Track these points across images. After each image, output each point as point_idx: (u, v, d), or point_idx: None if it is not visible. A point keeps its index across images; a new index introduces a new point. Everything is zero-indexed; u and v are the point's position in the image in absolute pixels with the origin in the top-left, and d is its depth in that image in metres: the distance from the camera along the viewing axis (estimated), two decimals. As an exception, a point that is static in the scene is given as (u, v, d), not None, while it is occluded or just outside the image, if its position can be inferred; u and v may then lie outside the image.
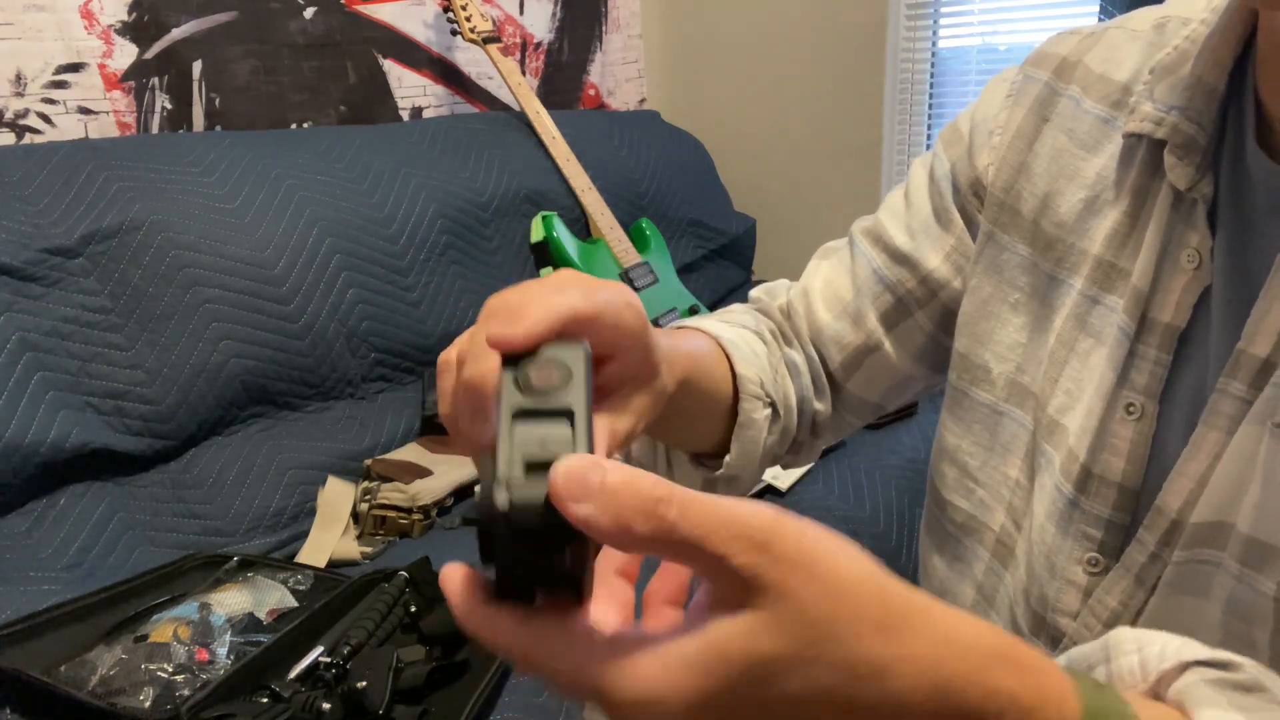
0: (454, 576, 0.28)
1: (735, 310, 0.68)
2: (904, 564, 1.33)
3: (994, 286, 0.60)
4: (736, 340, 0.61)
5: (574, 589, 0.28)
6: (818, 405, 0.65)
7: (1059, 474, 0.54)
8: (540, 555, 0.27)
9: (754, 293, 0.71)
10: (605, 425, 0.39)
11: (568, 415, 0.29)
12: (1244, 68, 0.49)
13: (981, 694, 0.28)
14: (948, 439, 0.64)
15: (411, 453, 1.44)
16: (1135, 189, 0.52)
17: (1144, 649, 0.34)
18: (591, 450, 0.28)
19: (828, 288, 0.67)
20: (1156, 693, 0.33)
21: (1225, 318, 0.47)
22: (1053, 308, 0.56)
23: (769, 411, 0.60)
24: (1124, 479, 0.51)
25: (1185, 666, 0.32)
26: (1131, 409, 0.51)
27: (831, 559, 0.27)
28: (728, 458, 0.58)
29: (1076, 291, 0.54)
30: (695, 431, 0.58)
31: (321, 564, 1.23)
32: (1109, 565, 0.52)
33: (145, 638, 0.91)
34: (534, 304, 0.34)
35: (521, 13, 2.14)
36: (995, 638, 0.29)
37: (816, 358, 0.66)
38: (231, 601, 1.00)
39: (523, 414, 0.30)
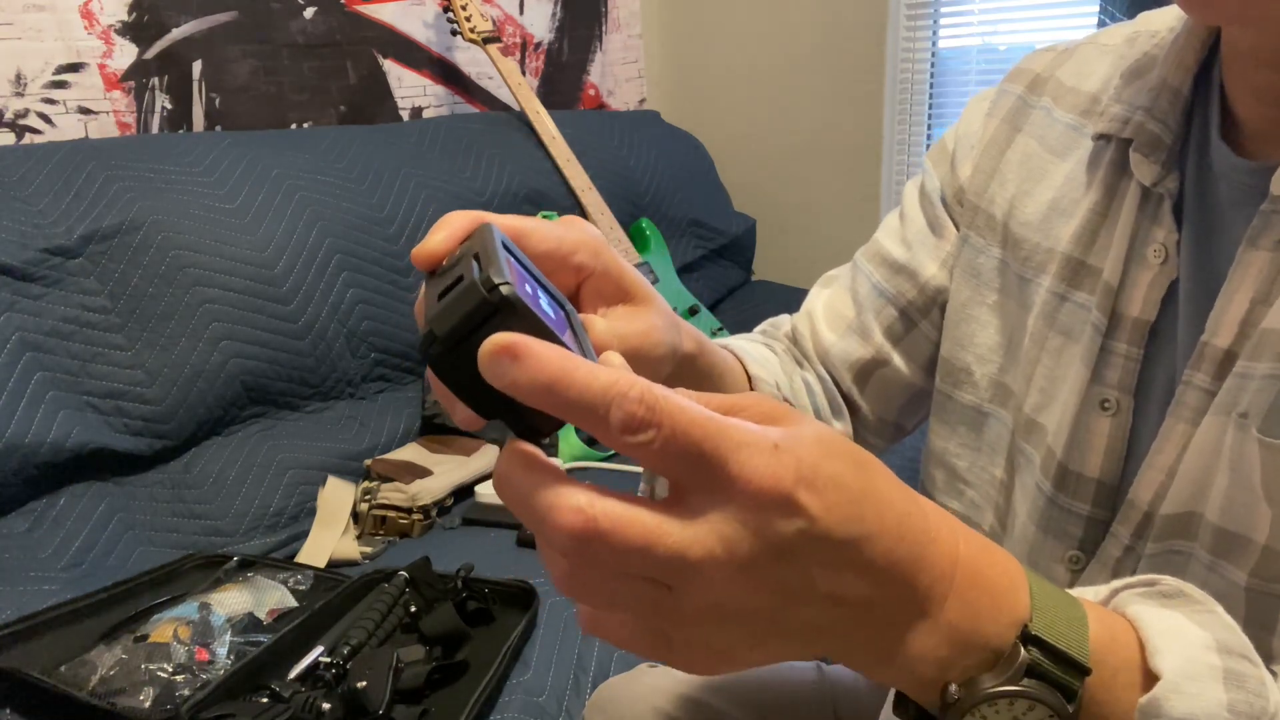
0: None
1: (743, 335, 0.69)
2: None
3: (972, 290, 0.61)
4: (746, 347, 0.62)
5: (527, 425, 0.30)
6: (836, 425, 0.65)
7: (1039, 473, 0.55)
8: (461, 366, 0.29)
9: (758, 328, 0.72)
10: (601, 325, 0.41)
11: (474, 257, 0.31)
12: (1209, 69, 0.50)
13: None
14: (935, 442, 0.64)
15: (411, 453, 1.44)
16: (1104, 188, 0.53)
17: (1083, 592, 0.36)
18: (507, 271, 0.30)
19: (830, 310, 0.68)
20: None
21: (1191, 310, 0.48)
22: (1025, 308, 0.57)
23: None
24: (1102, 474, 0.52)
25: (1115, 591, 0.35)
26: (1106, 404, 0.51)
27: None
28: None
29: (1045, 290, 0.55)
30: None
31: (321, 564, 1.23)
32: (1089, 562, 0.53)
33: (145, 638, 0.91)
34: (454, 216, 0.37)
35: (521, 13, 2.14)
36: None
37: (828, 378, 0.66)
38: (231, 601, 1.00)
39: (435, 274, 0.34)
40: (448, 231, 0.36)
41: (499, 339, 0.27)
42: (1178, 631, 0.32)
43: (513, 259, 0.34)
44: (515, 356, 0.27)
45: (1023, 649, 0.30)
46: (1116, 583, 0.35)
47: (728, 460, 0.27)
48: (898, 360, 0.65)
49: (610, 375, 0.27)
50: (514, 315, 0.28)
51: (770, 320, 0.71)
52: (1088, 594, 0.36)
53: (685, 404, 0.27)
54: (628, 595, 0.28)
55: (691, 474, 0.27)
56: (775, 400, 0.31)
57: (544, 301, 0.33)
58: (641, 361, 0.42)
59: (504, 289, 0.28)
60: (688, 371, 0.50)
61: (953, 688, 0.31)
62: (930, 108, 2.09)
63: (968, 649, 0.31)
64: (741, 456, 0.27)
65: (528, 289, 0.31)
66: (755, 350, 0.62)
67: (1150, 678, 0.31)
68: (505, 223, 0.39)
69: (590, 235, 0.42)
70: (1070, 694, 0.30)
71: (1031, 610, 0.31)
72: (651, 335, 0.43)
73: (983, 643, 0.31)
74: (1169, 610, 0.33)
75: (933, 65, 2.06)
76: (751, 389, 0.59)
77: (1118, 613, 0.34)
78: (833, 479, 0.28)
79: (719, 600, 0.28)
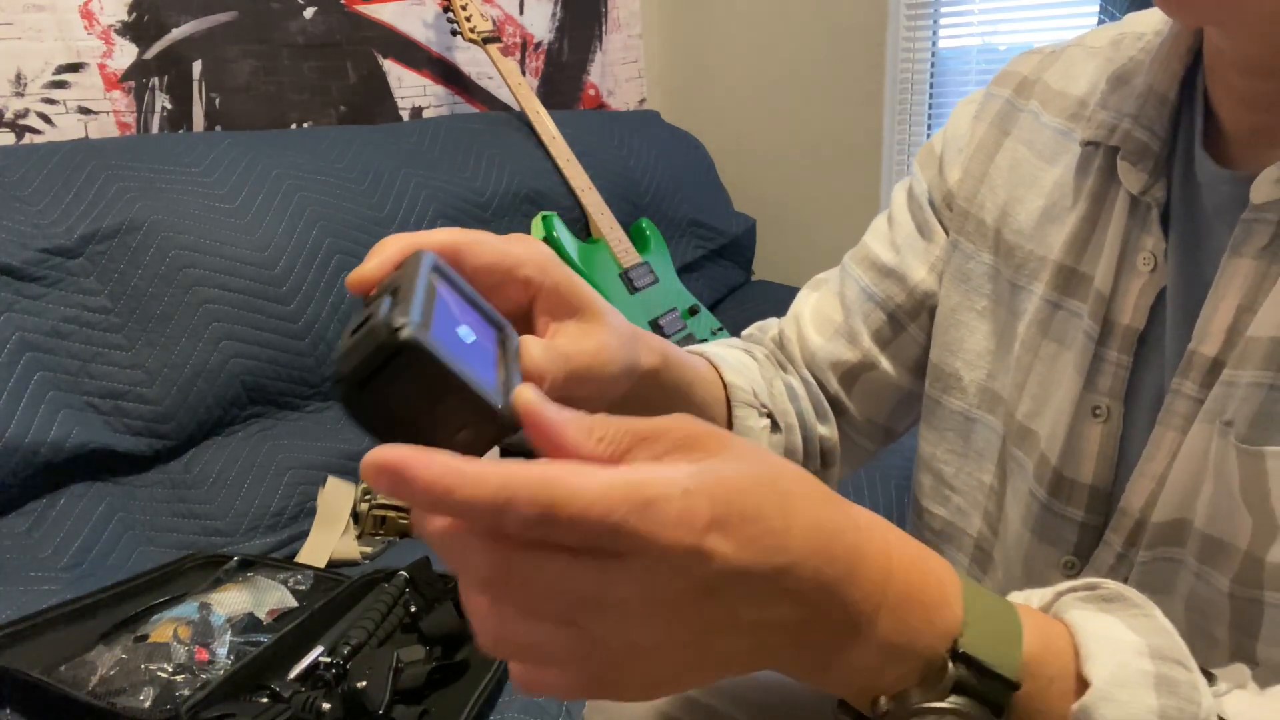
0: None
1: (724, 341, 0.68)
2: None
3: (962, 295, 0.61)
4: (723, 354, 0.61)
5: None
6: (821, 430, 0.64)
7: (1033, 479, 0.54)
8: (368, 405, 0.29)
9: (745, 332, 0.71)
10: (539, 348, 0.39)
11: (392, 292, 0.32)
12: (1194, 76, 0.50)
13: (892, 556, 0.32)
14: (924, 448, 0.64)
15: (411, 453, 1.44)
16: (1093, 195, 0.53)
17: (1028, 597, 0.37)
18: (418, 309, 0.30)
19: (817, 313, 0.67)
20: None
21: (1179, 318, 0.48)
22: (1016, 314, 0.57)
23: (766, 422, 0.59)
24: (1094, 481, 0.52)
25: (1059, 595, 0.36)
26: (1098, 411, 0.51)
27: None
28: None
29: (1038, 297, 0.55)
30: None
31: (321, 564, 1.23)
32: (1083, 568, 0.53)
33: (145, 638, 0.91)
34: (389, 241, 0.37)
35: (521, 13, 2.14)
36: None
37: (814, 382, 0.66)
38: (231, 601, 1.00)
39: (366, 302, 0.34)
40: (380, 258, 0.36)
41: (377, 458, 0.26)
42: (1111, 638, 0.32)
43: (445, 283, 0.34)
44: (398, 478, 0.26)
45: (951, 665, 0.31)
46: (1061, 585, 0.36)
47: (635, 525, 0.26)
48: (885, 364, 0.65)
49: (497, 479, 0.26)
50: (417, 358, 0.28)
51: (757, 324, 0.71)
52: (1033, 598, 0.36)
53: (582, 485, 0.26)
54: (552, 641, 0.28)
55: (605, 543, 0.27)
56: (699, 422, 0.30)
57: (465, 330, 0.33)
58: (592, 381, 0.41)
59: (404, 333, 0.28)
60: (650, 387, 0.49)
61: (883, 700, 0.32)
62: (930, 108, 2.09)
63: (900, 661, 0.31)
64: (650, 515, 0.26)
65: (444, 320, 0.31)
66: (732, 356, 0.61)
67: (1084, 685, 0.31)
68: (443, 239, 0.38)
69: (537, 250, 0.42)
70: (999, 709, 0.31)
71: (964, 624, 0.31)
72: (602, 354, 0.42)
73: (915, 655, 0.31)
74: (1107, 615, 0.34)
75: (933, 65, 2.06)
76: (727, 397, 0.58)
77: (1057, 618, 0.34)
78: (751, 511, 0.28)
79: (641, 639, 0.28)
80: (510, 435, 0.31)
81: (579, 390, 0.40)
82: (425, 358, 0.29)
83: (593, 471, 0.27)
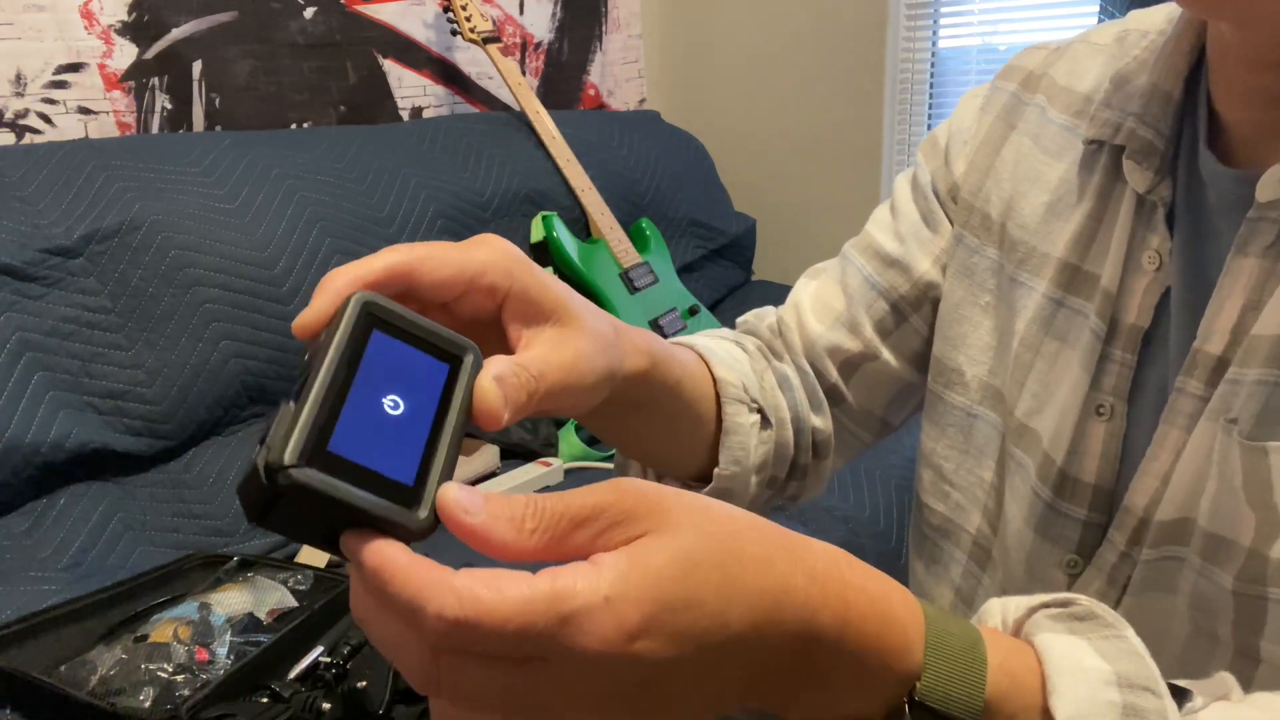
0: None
1: (714, 331, 0.66)
2: (903, 565, 1.33)
3: (965, 289, 0.60)
4: (713, 347, 0.59)
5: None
6: (815, 421, 0.62)
7: (1035, 478, 0.54)
8: (279, 526, 0.28)
9: (740, 319, 0.69)
10: (492, 387, 0.35)
11: (302, 381, 0.30)
12: (1198, 74, 0.50)
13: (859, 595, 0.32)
14: (925, 443, 0.64)
15: (411, 453, 1.44)
16: (1098, 193, 0.53)
17: (1005, 607, 0.36)
18: (310, 421, 0.28)
19: (818, 301, 0.66)
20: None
21: (1183, 317, 0.48)
22: (1014, 310, 0.57)
23: (756, 418, 0.57)
24: (1098, 480, 0.52)
25: (1033, 610, 0.35)
26: (1101, 410, 0.51)
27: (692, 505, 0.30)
28: (716, 468, 0.55)
29: (1040, 294, 0.55)
30: (680, 445, 0.55)
31: (321, 564, 1.23)
32: (1086, 567, 0.53)
33: (145, 638, 0.91)
34: (332, 279, 0.34)
35: (521, 13, 2.14)
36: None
37: (810, 371, 0.64)
38: (231, 601, 1.00)
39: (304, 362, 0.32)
40: (324, 298, 0.34)
41: (347, 548, 0.28)
42: (1078, 667, 0.32)
43: (381, 326, 0.32)
44: (346, 553, 0.28)
45: (908, 711, 0.31)
46: (1034, 600, 0.35)
47: (556, 638, 0.26)
48: (886, 354, 0.64)
49: (412, 589, 0.26)
50: (302, 496, 0.27)
51: (754, 312, 0.69)
52: (1010, 609, 0.36)
53: (498, 601, 0.26)
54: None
55: (529, 651, 0.26)
56: (635, 491, 0.29)
57: (391, 400, 0.31)
58: (569, 395, 0.39)
59: (281, 478, 0.26)
60: (637, 388, 0.47)
61: None
62: (930, 108, 2.10)
63: (860, 703, 0.31)
64: (570, 629, 0.26)
65: (358, 407, 0.29)
66: (722, 349, 0.59)
67: (1050, 718, 0.31)
68: (390, 262, 0.35)
69: (502, 253, 0.39)
70: None
71: (923, 668, 0.31)
72: (579, 365, 0.39)
73: (874, 699, 0.31)
74: (1076, 637, 0.33)
75: (933, 65, 2.07)
76: (716, 391, 0.56)
77: (1027, 640, 0.34)
78: (683, 602, 0.27)
79: None
80: (431, 534, 0.30)
81: (555, 405, 0.38)
82: (311, 494, 0.27)
83: (510, 583, 0.26)
